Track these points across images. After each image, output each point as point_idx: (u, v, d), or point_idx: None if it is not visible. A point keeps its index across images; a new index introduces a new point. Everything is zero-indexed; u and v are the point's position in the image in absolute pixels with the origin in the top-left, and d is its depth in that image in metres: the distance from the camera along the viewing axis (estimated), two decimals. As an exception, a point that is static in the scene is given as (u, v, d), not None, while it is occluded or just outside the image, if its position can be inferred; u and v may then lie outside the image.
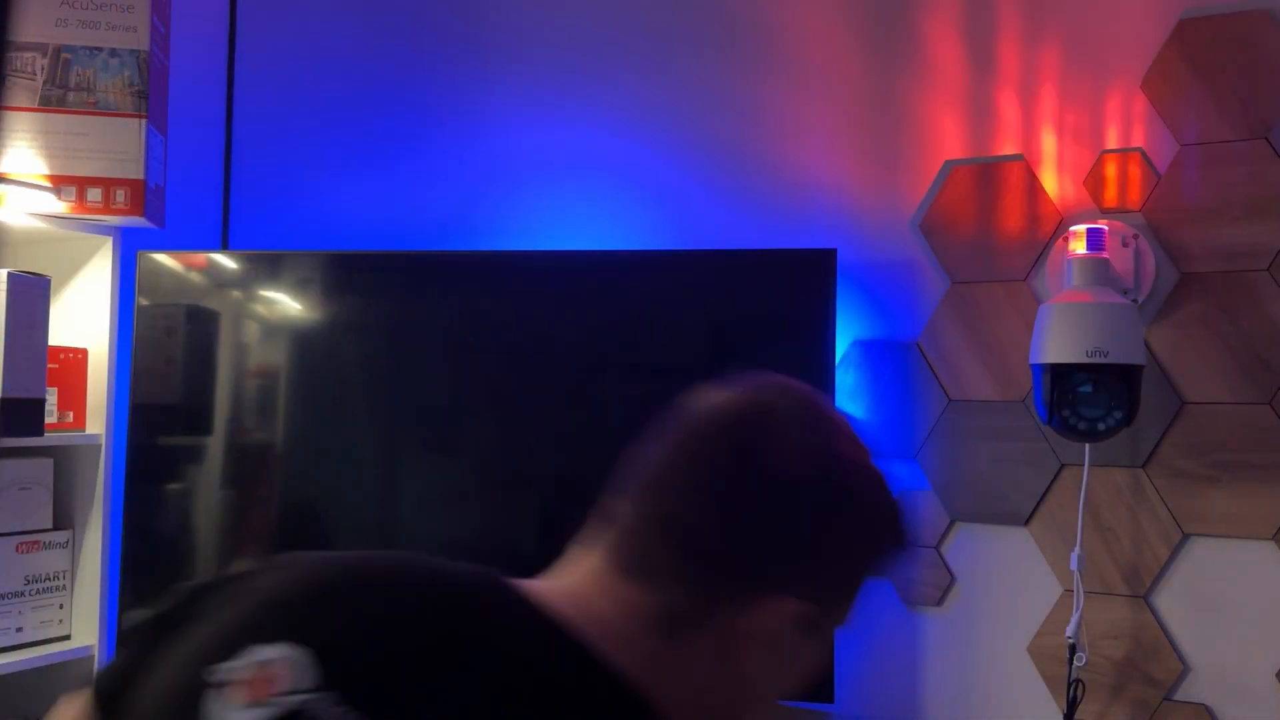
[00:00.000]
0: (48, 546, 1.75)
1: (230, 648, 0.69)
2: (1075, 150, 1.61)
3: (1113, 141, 1.59)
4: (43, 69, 1.66)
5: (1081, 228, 1.52)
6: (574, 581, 0.81)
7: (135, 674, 0.74)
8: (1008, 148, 1.66)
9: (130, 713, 0.72)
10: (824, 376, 1.61)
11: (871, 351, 1.73)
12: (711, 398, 0.84)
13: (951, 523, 1.67)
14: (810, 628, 0.74)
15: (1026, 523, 1.62)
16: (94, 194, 1.67)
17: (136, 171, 1.68)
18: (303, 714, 0.65)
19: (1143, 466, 1.54)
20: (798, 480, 0.75)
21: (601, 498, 0.84)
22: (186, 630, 0.74)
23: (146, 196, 1.69)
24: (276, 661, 0.67)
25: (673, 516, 0.77)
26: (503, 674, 0.70)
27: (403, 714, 0.67)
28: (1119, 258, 1.55)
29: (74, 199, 1.67)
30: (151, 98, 1.70)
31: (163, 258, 1.81)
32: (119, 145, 1.67)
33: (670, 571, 0.76)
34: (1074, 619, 1.51)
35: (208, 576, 0.81)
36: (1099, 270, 1.51)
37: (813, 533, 0.75)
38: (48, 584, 1.75)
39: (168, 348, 1.80)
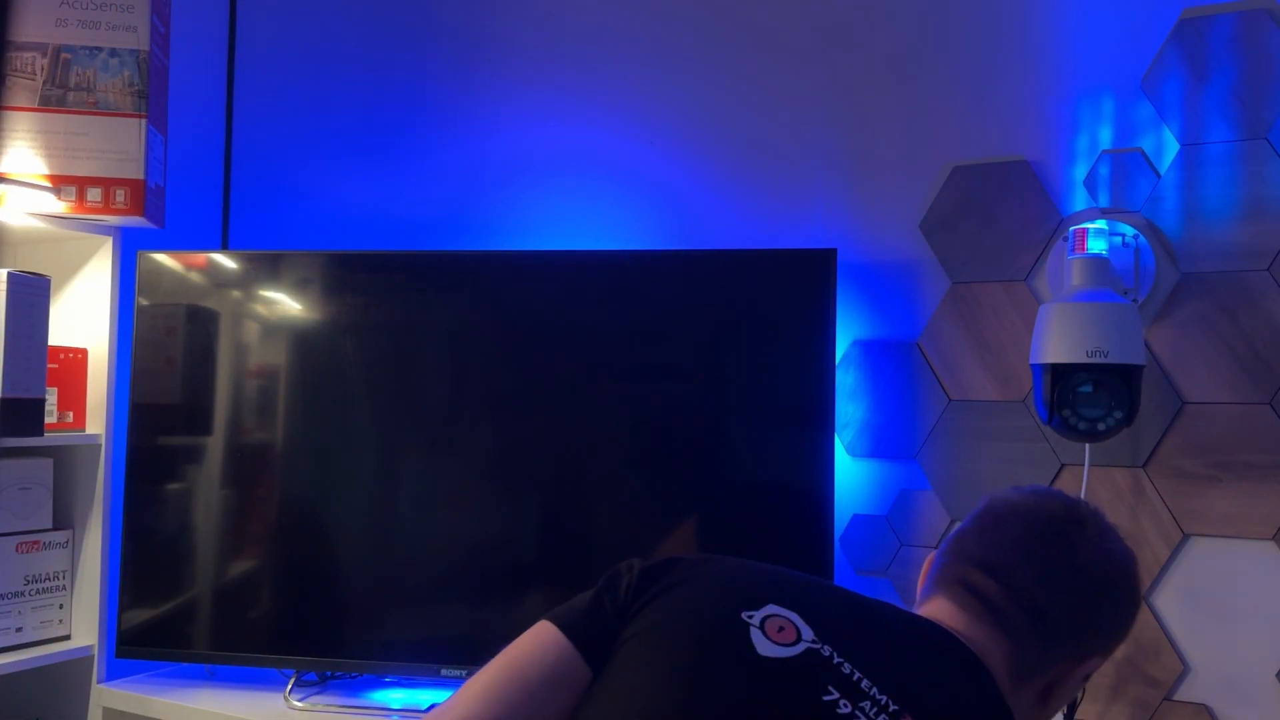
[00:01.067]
0: (48, 546, 1.75)
1: (753, 600, 0.94)
2: (1075, 150, 1.62)
3: (1113, 141, 1.59)
4: (43, 69, 1.66)
5: (1081, 227, 1.53)
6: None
7: (601, 618, 0.97)
8: (1008, 148, 1.66)
9: (598, 645, 0.95)
10: (824, 376, 1.61)
11: (871, 351, 1.74)
12: (1045, 501, 1.09)
13: (952, 523, 1.67)
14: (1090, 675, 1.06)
15: (1026, 523, 1.62)
16: (94, 194, 1.68)
17: (136, 171, 1.68)
18: (813, 654, 0.90)
19: (1143, 466, 1.54)
20: (1117, 573, 1.05)
21: (956, 565, 1.07)
22: (674, 588, 0.98)
23: (146, 196, 1.69)
24: (786, 615, 0.93)
25: (1030, 595, 1.02)
26: (931, 665, 0.95)
27: (870, 673, 0.90)
28: (1119, 258, 1.55)
29: (74, 199, 1.67)
30: (151, 98, 1.70)
31: (163, 258, 1.81)
32: (119, 145, 1.68)
33: (1024, 632, 1.02)
34: (1074, 619, 1.51)
35: (656, 561, 1.02)
36: (1099, 270, 1.51)
37: (1124, 612, 1.06)
38: (48, 584, 1.75)
39: (168, 348, 1.80)
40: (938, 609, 1.05)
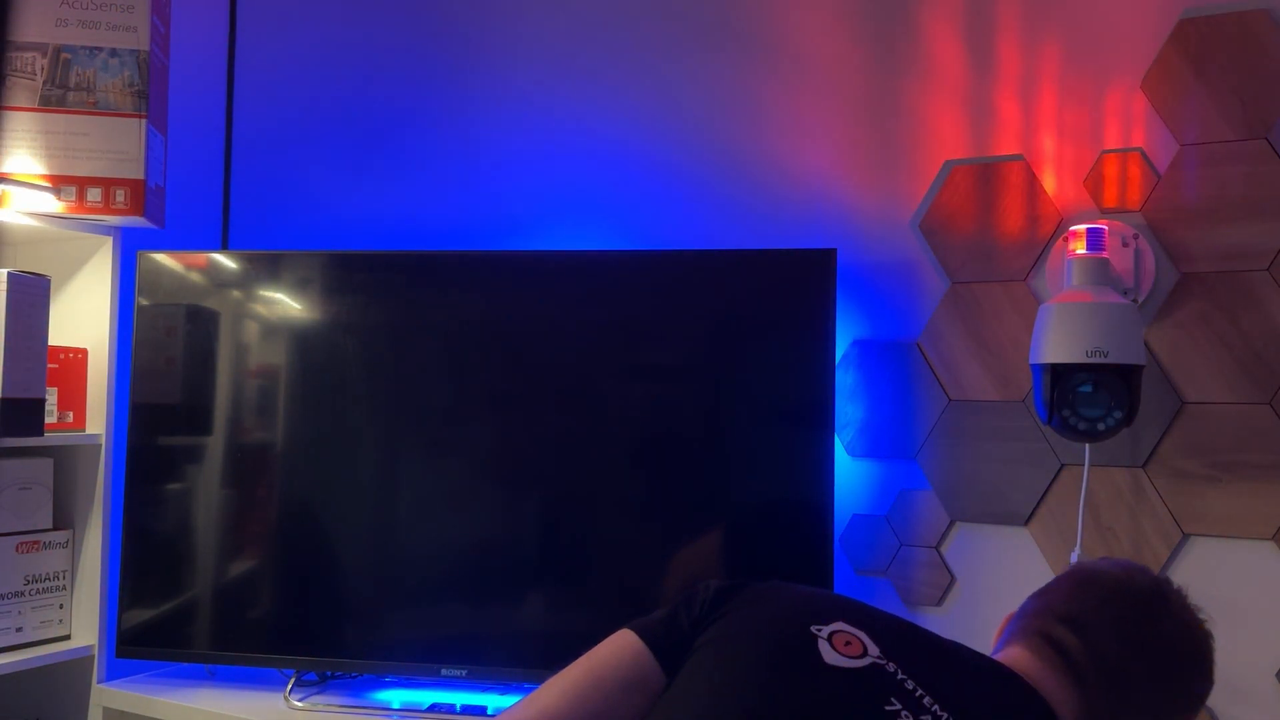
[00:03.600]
0: (48, 546, 1.76)
1: (821, 617, 0.99)
2: (1075, 150, 1.61)
3: (1113, 141, 1.59)
4: (43, 69, 1.66)
5: (1081, 228, 1.53)
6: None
7: (676, 628, 1.02)
8: (1008, 148, 1.66)
9: (673, 652, 1.01)
10: (824, 376, 1.61)
11: (871, 351, 1.74)
12: (1134, 573, 1.11)
13: (951, 523, 1.67)
14: None
15: (1026, 523, 1.62)
16: (94, 194, 1.68)
17: (136, 171, 1.68)
18: (878, 669, 0.94)
19: (1143, 466, 1.54)
20: (1198, 648, 1.08)
21: (1038, 618, 1.10)
22: (746, 605, 1.03)
23: (146, 196, 1.69)
24: (853, 632, 0.98)
25: (1110, 654, 1.05)
26: (996, 698, 0.99)
27: (933, 691, 0.94)
28: (1119, 258, 1.55)
29: (74, 199, 1.67)
30: (151, 98, 1.70)
31: (163, 258, 1.81)
32: (119, 145, 1.68)
33: (1099, 689, 1.04)
34: (1074, 619, 1.51)
35: (731, 582, 1.07)
36: (1099, 270, 1.51)
37: (1199, 686, 1.07)
38: (48, 584, 1.75)
39: (168, 348, 1.80)
40: (1014, 655, 1.07)
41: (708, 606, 1.04)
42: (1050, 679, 1.03)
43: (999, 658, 1.08)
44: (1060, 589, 1.12)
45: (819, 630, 0.97)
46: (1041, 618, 1.09)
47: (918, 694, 0.93)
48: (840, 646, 0.96)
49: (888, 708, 0.91)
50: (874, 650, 0.97)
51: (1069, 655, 1.04)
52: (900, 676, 0.95)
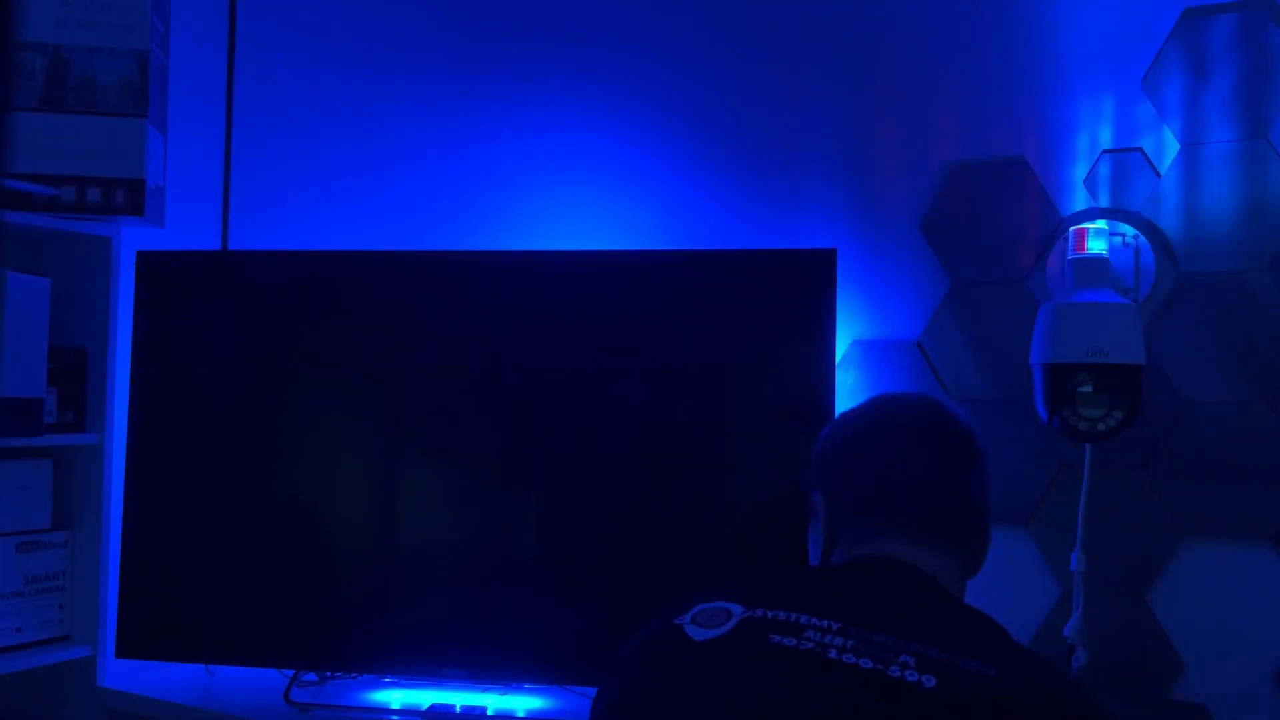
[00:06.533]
0: (48, 546, 1.75)
1: (679, 607, 0.99)
2: (1075, 150, 1.61)
3: (1113, 141, 1.59)
4: (43, 69, 1.66)
5: (1082, 227, 1.53)
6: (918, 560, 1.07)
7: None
8: (1008, 147, 1.66)
9: None
10: (824, 376, 1.61)
11: (871, 351, 1.74)
12: (906, 414, 1.16)
13: (951, 523, 1.67)
14: None
15: (1026, 523, 1.62)
16: (94, 194, 1.68)
17: (136, 171, 1.68)
18: (747, 622, 0.92)
19: (1143, 466, 1.54)
20: (982, 455, 1.15)
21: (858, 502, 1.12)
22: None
23: (146, 196, 1.69)
24: (715, 606, 0.97)
25: (930, 495, 1.10)
26: (869, 588, 1.02)
27: (809, 609, 0.93)
28: (1119, 258, 1.55)
29: (74, 199, 1.67)
30: (151, 98, 1.70)
31: (162, 257, 1.81)
32: (119, 145, 1.68)
33: (966, 541, 1.11)
34: (1074, 619, 1.51)
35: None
36: (1099, 270, 1.51)
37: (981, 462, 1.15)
38: (48, 584, 1.75)
39: (167, 348, 1.80)
40: (859, 549, 1.09)
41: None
42: (908, 548, 1.07)
43: (852, 557, 1.09)
44: (851, 462, 1.14)
45: (681, 619, 0.98)
46: (861, 501, 1.11)
47: (792, 619, 0.92)
48: (705, 622, 0.96)
49: (771, 642, 0.91)
50: (738, 611, 0.96)
51: (904, 519, 1.08)
52: (770, 615, 0.94)
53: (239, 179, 2.16)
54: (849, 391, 1.73)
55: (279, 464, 1.77)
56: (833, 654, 0.88)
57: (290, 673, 1.78)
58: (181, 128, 1.95)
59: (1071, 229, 1.54)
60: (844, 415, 1.20)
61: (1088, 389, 1.46)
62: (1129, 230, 1.56)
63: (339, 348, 1.76)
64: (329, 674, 1.80)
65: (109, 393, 1.78)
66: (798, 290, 1.64)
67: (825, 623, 0.91)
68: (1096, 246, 1.52)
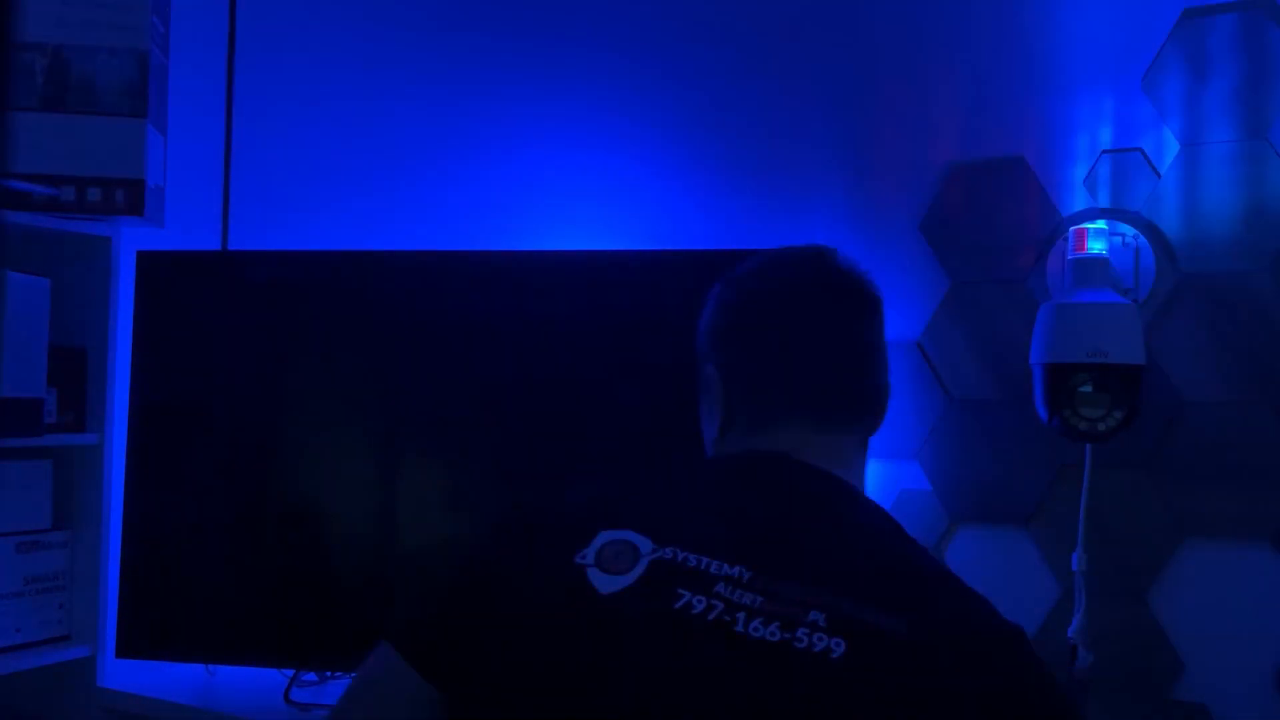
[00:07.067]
0: (48, 546, 1.75)
1: (584, 535, 0.87)
2: (1075, 150, 1.61)
3: (1113, 141, 1.59)
4: (43, 69, 1.66)
5: (1082, 227, 1.52)
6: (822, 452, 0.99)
7: (449, 623, 0.88)
8: (1007, 147, 1.66)
9: (457, 649, 0.86)
10: (824, 376, 1.61)
11: (871, 351, 1.73)
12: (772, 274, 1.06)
13: (951, 523, 1.67)
14: None
15: (1026, 523, 1.62)
16: (94, 194, 1.68)
17: (136, 171, 1.68)
18: (655, 566, 0.84)
19: (1143, 466, 1.54)
20: (877, 303, 1.07)
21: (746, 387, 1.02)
22: (503, 566, 0.90)
23: (146, 196, 1.69)
24: (620, 539, 0.86)
25: (856, 376, 1.03)
26: (777, 509, 0.92)
27: (717, 551, 0.85)
28: (1119, 258, 1.55)
29: (74, 199, 1.67)
30: (151, 98, 1.70)
31: (162, 258, 1.81)
32: (119, 145, 1.68)
33: (871, 411, 1.03)
34: (1074, 619, 1.51)
35: (464, 571, 0.93)
36: (1099, 270, 1.51)
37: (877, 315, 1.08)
38: (48, 584, 1.75)
39: (167, 348, 1.80)
40: (760, 441, 1.00)
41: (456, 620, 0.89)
42: (804, 439, 0.98)
43: (747, 448, 0.99)
44: (737, 343, 1.04)
45: (584, 557, 0.86)
46: (749, 387, 1.02)
47: (702, 565, 0.84)
48: (610, 564, 0.85)
49: (676, 604, 0.82)
50: (646, 547, 0.85)
51: (818, 402, 0.99)
52: (680, 558, 0.84)
53: (239, 179, 2.16)
54: (849, 391, 1.73)
55: (279, 464, 1.77)
56: (740, 626, 0.80)
57: (290, 673, 1.78)
58: (181, 128, 1.95)
59: (1071, 229, 1.54)
60: (730, 278, 1.09)
61: (1088, 389, 1.45)
62: (1129, 230, 1.56)
63: (339, 348, 1.76)
64: (329, 674, 1.80)
65: (109, 393, 1.78)
66: (798, 290, 1.63)
67: (735, 570, 0.83)
68: (1096, 246, 1.52)
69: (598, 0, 1.94)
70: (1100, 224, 1.55)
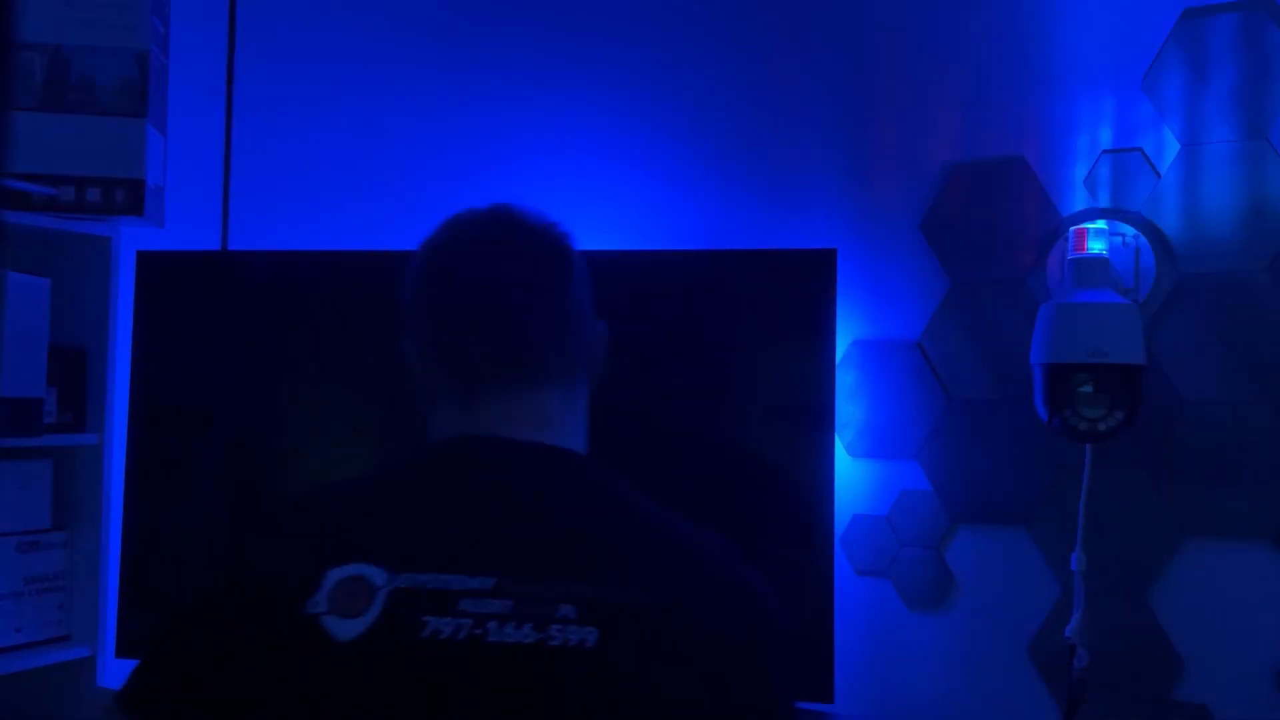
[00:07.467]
0: (47, 546, 1.75)
1: (307, 585, 0.81)
2: (1075, 150, 1.61)
3: (1113, 141, 1.59)
4: (43, 69, 1.66)
5: (1082, 227, 1.52)
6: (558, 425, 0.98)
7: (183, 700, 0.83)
8: (1008, 147, 1.66)
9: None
10: (824, 376, 1.61)
11: (871, 351, 1.73)
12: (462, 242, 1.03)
13: (952, 523, 1.67)
14: None
15: (1026, 523, 1.62)
16: (94, 194, 1.68)
17: (136, 171, 1.68)
18: (393, 599, 0.79)
19: (1143, 466, 1.54)
20: (568, 253, 1.05)
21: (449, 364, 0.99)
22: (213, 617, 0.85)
23: (146, 196, 1.69)
24: (352, 574, 0.81)
25: (553, 330, 0.98)
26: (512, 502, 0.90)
27: (458, 564, 0.82)
28: (1119, 258, 1.55)
29: (74, 199, 1.67)
30: (151, 98, 1.70)
31: (162, 258, 1.81)
32: (119, 145, 1.68)
33: (576, 362, 1.01)
34: (1074, 619, 1.51)
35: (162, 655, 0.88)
36: (1099, 270, 1.51)
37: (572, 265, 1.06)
38: (47, 584, 1.75)
39: (167, 348, 1.80)
40: (470, 421, 0.95)
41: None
42: (532, 410, 0.94)
43: (487, 436, 0.94)
44: (431, 319, 1.01)
45: (315, 606, 0.80)
46: (451, 363, 0.97)
47: (443, 584, 0.81)
48: (346, 607, 0.80)
49: (423, 634, 0.79)
50: (380, 579, 0.81)
51: (521, 367, 0.95)
52: (418, 582, 0.80)
53: (239, 179, 2.16)
54: (849, 392, 1.73)
55: (279, 464, 1.77)
56: (493, 636, 0.79)
57: (290, 673, 1.77)
58: (181, 128, 1.95)
59: (1071, 229, 1.54)
60: (418, 250, 1.05)
61: (1088, 389, 1.45)
62: (1129, 230, 1.56)
63: (339, 348, 1.76)
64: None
65: (109, 393, 1.78)
66: (798, 290, 1.64)
67: (478, 582, 0.80)
68: (1096, 246, 1.52)
69: (598, 2, 1.94)
70: (1100, 224, 1.55)
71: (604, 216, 1.91)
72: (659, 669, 0.80)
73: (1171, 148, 1.55)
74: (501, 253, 0.99)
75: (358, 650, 0.79)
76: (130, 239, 1.84)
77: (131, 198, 1.68)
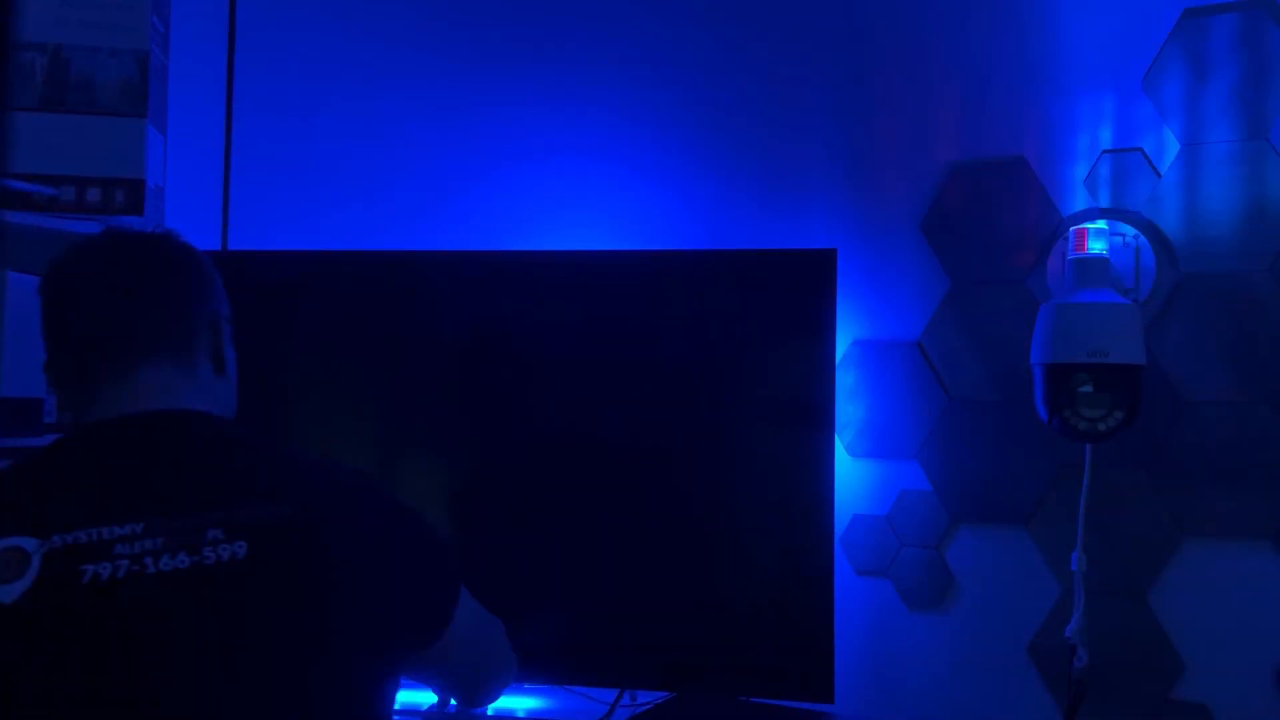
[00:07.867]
0: (48, 546, 1.75)
1: None
2: (1075, 150, 1.61)
3: (1113, 141, 1.59)
4: (43, 69, 1.66)
5: (1082, 227, 1.53)
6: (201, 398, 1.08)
7: None
8: (1008, 147, 1.66)
9: None
10: (824, 376, 1.61)
11: (871, 351, 1.73)
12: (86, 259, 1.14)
13: (952, 523, 1.67)
14: None
15: (1026, 523, 1.62)
16: (94, 194, 1.68)
17: (136, 171, 1.68)
18: (49, 559, 0.87)
19: (1143, 466, 1.54)
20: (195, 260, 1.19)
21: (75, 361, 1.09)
22: None
23: (146, 196, 1.69)
24: (10, 545, 0.88)
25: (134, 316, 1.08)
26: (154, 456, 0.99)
27: (112, 516, 0.90)
28: (1119, 258, 1.56)
29: (74, 199, 1.67)
30: (151, 98, 1.70)
31: (163, 258, 1.81)
32: (119, 145, 1.67)
33: (196, 341, 1.10)
34: (1074, 619, 1.51)
35: None
36: (1099, 270, 1.51)
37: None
38: (48, 584, 1.75)
39: (168, 348, 1.80)
40: (105, 401, 1.04)
41: None
42: (160, 384, 1.04)
43: (130, 412, 1.03)
44: (54, 322, 1.12)
45: None
46: (77, 360, 1.08)
47: (96, 537, 0.89)
48: (4, 574, 0.87)
49: (84, 580, 0.87)
50: (31, 545, 0.88)
51: (138, 347, 1.05)
52: (71, 538, 0.88)
53: (239, 179, 2.16)
54: (849, 392, 1.73)
55: (279, 464, 1.77)
56: (151, 569, 0.88)
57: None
58: (181, 128, 1.95)
59: (1072, 229, 1.55)
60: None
61: (1088, 389, 1.46)
62: (1129, 230, 1.56)
63: (339, 348, 1.76)
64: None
65: (109, 393, 1.77)
66: (798, 290, 1.64)
67: (128, 529, 0.89)
68: (1096, 246, 1.52)
69: (598, 2, 1.94)
70: (1100, 224, 1.55)
71: (604, 216, 1.91)
72: (307, 561, 0.92)
73: (1172, 148, 1.55)
74: (107, 256, 1.12)
75: (22, 607, 0.86)
76: (130, 239, 1.84)
77: (131, 198, 1.68)
